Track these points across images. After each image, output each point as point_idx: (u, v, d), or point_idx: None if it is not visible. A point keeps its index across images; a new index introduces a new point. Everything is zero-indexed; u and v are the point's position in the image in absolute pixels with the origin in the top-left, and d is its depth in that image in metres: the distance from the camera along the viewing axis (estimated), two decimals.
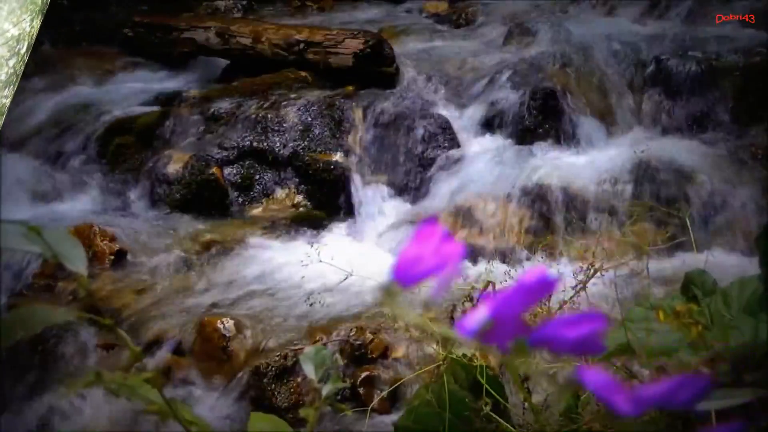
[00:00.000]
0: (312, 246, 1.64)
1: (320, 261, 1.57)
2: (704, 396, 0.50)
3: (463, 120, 3.67)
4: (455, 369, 1.17)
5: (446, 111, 3.68)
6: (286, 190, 3.48)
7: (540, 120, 3.56)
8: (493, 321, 0.50)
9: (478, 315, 0.50)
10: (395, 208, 3.37)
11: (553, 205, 3.11)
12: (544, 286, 0.50)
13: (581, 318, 0.50)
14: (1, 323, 0.60)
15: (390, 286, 0.52)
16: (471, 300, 1.21)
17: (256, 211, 3.44)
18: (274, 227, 3.30)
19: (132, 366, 2.20)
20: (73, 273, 0.58)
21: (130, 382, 0.59)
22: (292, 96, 3.76)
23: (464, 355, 1.20)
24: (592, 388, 0.50)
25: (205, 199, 3.43)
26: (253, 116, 3.65)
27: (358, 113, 3.63)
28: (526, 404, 1.22)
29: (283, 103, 3.70)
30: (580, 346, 0.50)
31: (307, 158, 3.49)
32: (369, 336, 2.43)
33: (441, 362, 1.19)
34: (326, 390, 0.70)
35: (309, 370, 0.71)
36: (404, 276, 0.53)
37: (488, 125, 3.62)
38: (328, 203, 3.42)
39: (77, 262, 0.57)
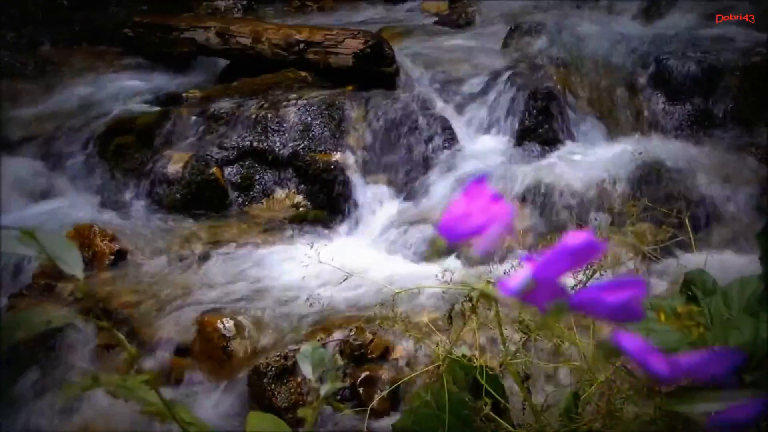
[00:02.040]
0: (312, 247, 1.64)
1: (320, 262, 1.56)
2: (735, 371, 0.50)
3: (463, 120, 3.67)
4: (454, 369, 1.17)
5: (446, 111, 3.68)
6: (286, 190, 3.48)
7: (540, 120, 3.56)
8: (534, 281, 0.50)
9: (521, 275, 0.50)
10: (395, 207, 3.37)
11: (553, 205, 3.11)
12: (589, 251, 0.50)
13: (621, 283, 0.49)
14: (2, 324, 0.60)
15: (436, 240, 0.52)
16: (470, 300, 1.21)
17: (256, 211, 3.43)
18: (274, 227, 3.30)
19: (130, 367, 2.20)
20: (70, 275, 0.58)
21: (128, 384, 0.59)
22: (292, 96, 3.76)
23: (463, 356, 1.20)
24: (630, 351, 0.50)
25: (205, 199, 3.43)
26: (253, 116, 3.65)
27: (358, 113, 3.63)
28: (526, 404, 1.22)
29: (283, 103, 3.70)
30: (619, 311, 0.49)
31: (307, 158, 3.49)
32: (369, 336, 2.43)
33: (441, 362, 1.19)
34: (324, 390, 0.69)
35: (306, 369, 0.71)
36: (451, 231, 0.53)
37: (488, 125, 3.62)
38: (328, 203, 3.42)
39: (74, 265, 0.57)
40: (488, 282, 1.22)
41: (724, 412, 0.51)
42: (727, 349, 0.49)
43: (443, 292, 2.06)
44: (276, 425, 0.83)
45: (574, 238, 0.50)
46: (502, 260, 2.85)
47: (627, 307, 0.49)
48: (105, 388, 0.58)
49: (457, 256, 3.04)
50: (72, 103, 4.03)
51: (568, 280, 1.27)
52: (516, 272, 0.51)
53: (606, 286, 0.50)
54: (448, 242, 0.53)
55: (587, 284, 1.22)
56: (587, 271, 1.22)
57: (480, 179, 0.52)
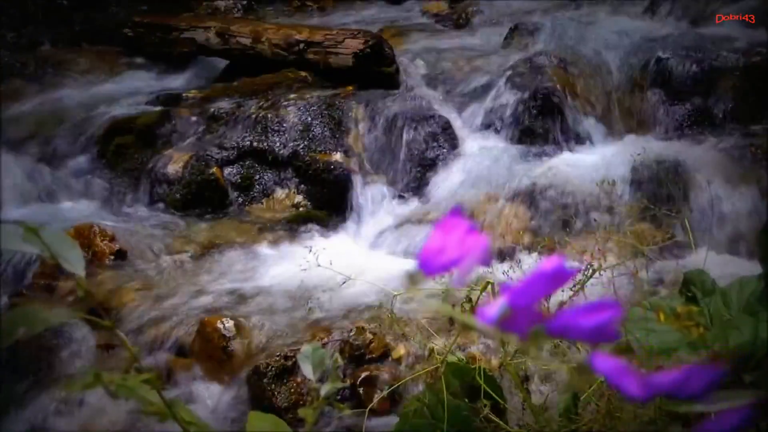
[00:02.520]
0: (310, 251, 1.64)
1: (318, 266, 1.56)
2: (714, 387, 0.51)
3: (463, 120, 3.67)
4: (448, 376, 1.17)
5: (446, 111, 3.68)
6: (286, 190, 3.48)
7: (540, 120, 3.56)
8: (511, 309, 0.51)
9: (498, 303, 0.52)
10: (395, 207, 3.37)
11: (553, 204, 3.11)
12: (561, 276, 0.52)
13: (596, 306, 0.51)
14: (1, 323, 0.60)
15: (415, 275, 0.55)
16: (470, 301, 1.21)
17: (256, 211, 3.43)
18: (274, 227, 3.30)
19: (131, 367, 2.20)
20: (71, 273, 0.58)
21: (129, 383, 0.59)
22: (292, 96, 3.76)
23: (459, 360, 1.20)
24: (604, 372, 0.51)
25: (205, 199, 3.43)
26: (253, 116, 3.65)
27: (358, 113, 3.63)
28: (525, 405, 1.22)
29: (283, 103, 3.70)
30: (596, 333, 0.51)
31: (307, 158, 3.49)
32: (369, 336, 2.43)
33: (440, 364, 1.19)
34: (324, 390, 0.70)
35: (307, 369, 0.71)
36: (428, 265, 0.55)
37: (488, 125, 3.62)
38: (328, 203, 3.42)
39: (75, 263, 0.57)
40: (488, 283, 1.21)
41: (711, 420, 0.52)
42: (703, 365, 0.50)
43: (443, 293, 2.06)
44: (276, 425, 0.83)
45: (546, 264, 0.52)
46: (502, 260, 2.85)
47: (603, 330, 0.51)
48: (106, 387, 0.58)
49: None
50: (72, 103, 4.03)
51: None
52: (492, 302, 0.52)
53: (582, 309, 0.51)
54: (425, 276, 0.55)
55: (576, 294, 1.22)
56: (586, 273, 1.22)
57: (454, 212, 0.55)
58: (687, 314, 1.02)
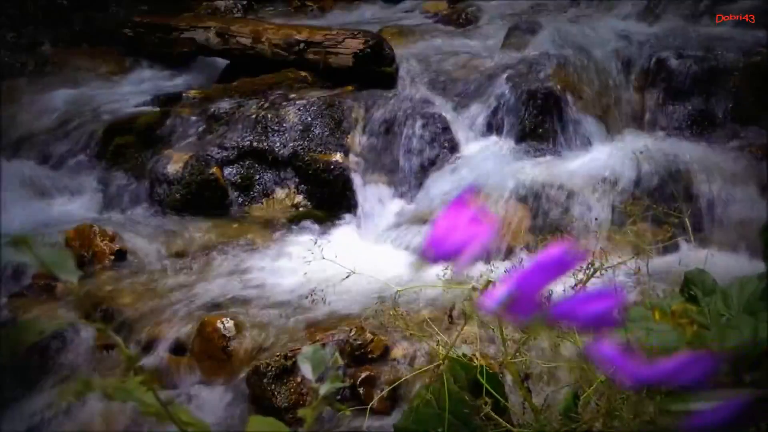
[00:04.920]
0: (315, 243, 1.64)
1: (323, 258, 1.57)
2: (707, 378, 0.51)
3: (463, 120, 3.66)
4: (455, 369, 1.17)
5: (446, 111, 3.67)
6: (286, 190, 3.47)
7: (540, 120, 3.56)
8: (514, 295, 0.52)
9: (500, 289, 0.52)
10: (395, 207, 3.37)
11: (553, 204, 3.11)
12: (564, 263, 0.52)
13: (599, 293, 0.52)
14: (2, 336, 0.61)
15: (418, 262, 0.55)
16: (471, 299, 1.21)
17: (256, 211, 3.43)
18: (274, 227, 3.30)
19: (128, 369, 2.19)
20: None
21: (126, 386, 0.59)
22: (292, 96, 3.76)
23: (464, 355, 1.20)
24: (602, 358, 0.52)
25: (205, 199, 3.43)
26: (253, 116, 3.65)
27: (358, 113, 3.63)
28: (526, 404, 1.22)
29: (283, 103, 3.70)
30: (598, 319, 0.52)
31: (307, 158, 3.49)
32: (369, 336, 2.43)
33: (441, 362, 1.19)
34: (324, 390, 0.69)
35: (306, 370, 0.71)
36: (431, 253, 0.55)
37: (488, 125, 3.62)
38: (328, 203, 3.42)
39: (69, 271, 0.57)
40: (488, 282, 1.22)
41: (700, 414, 0.52)
42: (696, 355, 0.50)
43: (444, 290, 2.06)
44: (276, 429, 0.83)
45: (549, 251, 0.52)
46: (503, 260, 2.85)
47: (605, 316, 0.51)
48: (100, 391, 0.58)
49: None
50: (72, 103, 4.03)
51: (568, 280, 1.27)
52: (497, 286, 0.53)
53: (585, 296, 0.52)
54: (430, 263, 0.55)
55: (578, 288, 1.22)
56: (588, 270, 1.22)
57: (461, 196, 0.55)
58: (681, 313, 1.02)
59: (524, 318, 0.52)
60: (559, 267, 0.52)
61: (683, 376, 0.51)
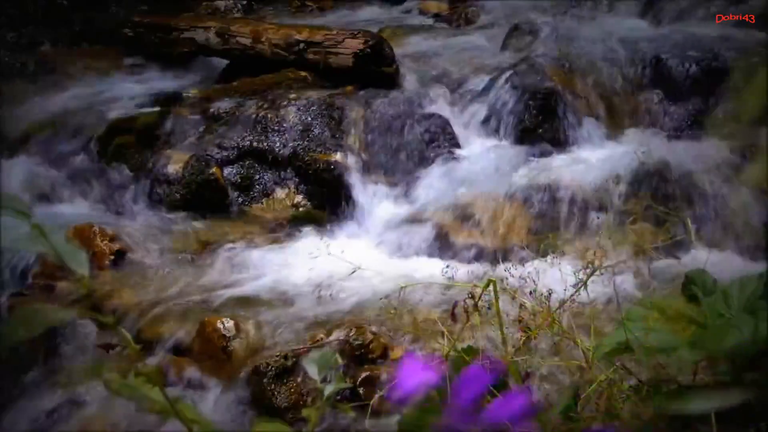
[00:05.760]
0: (322, 239, 1.65)
1: (329, 254, 1.58)
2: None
3: (463, 120, 3.67)
4: (459, 364, 1.17)
5: (446, 111, 3.68)
6: (286, 190, 3.48)
7: (540, 120, 3.56)
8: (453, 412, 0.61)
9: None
10: (394, 207, 3.37)
11: (553, 204, 3.11)
12: (479, 380, 0.62)
13: (513, 396, 0.62)
14: (4, 324, 0.61)
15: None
16: (472, 298, 1.22)
17: (256, 211, 3.44)
18: (273, 227, 3.30)
19: (133, 365, 2.20)
20: (74, 273, 0.58)
21: (131, 383, 0.59)
22: (292, 96, 3.76)
23: (469, 348, 1.20)
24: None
25: (205, 199, 3.43)
26: (253, 116, 3.65)
27: (358, 113, 3.63)
28: None
29: (283, 103, 3.70)
30: (519, 414, 0.61)
31: (307, 158, 3.49)
32: (369, 336, 2.43)
33: (444, 358, 1.19)
34: (329, 390, 0.70)
35: (312, 371, 0.71)
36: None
37: (488, 125, 3.62)
38: (328, 203, 3.42)
39: (79, 263, 0.57)
40: (489, 281, 1.22)
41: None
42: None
43: (445, 288, 2.07)
44: (281, 430, 0.83)
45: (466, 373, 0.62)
46: (503, 260, 2.86)
47: (523, 408, 0.61)
48: (108, 384, 0.58)
49: (458, 258, 3.05)
50: (72, 103, 4.03)
51: (569, 280, 1.27)
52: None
53: (499, 403, 0.61)
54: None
55: (576, 294, 1.22)
56: (587, 271, 1.22)
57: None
58: (679, 312, 1.02)
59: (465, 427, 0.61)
60: (474, 384, 0.61)
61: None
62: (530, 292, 1.33)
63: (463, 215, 3.14)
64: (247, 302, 2.73)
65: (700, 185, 3.12)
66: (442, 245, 3.07)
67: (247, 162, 3.53)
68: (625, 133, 3.57)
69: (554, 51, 3.90)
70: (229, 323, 2.54)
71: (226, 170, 3.50)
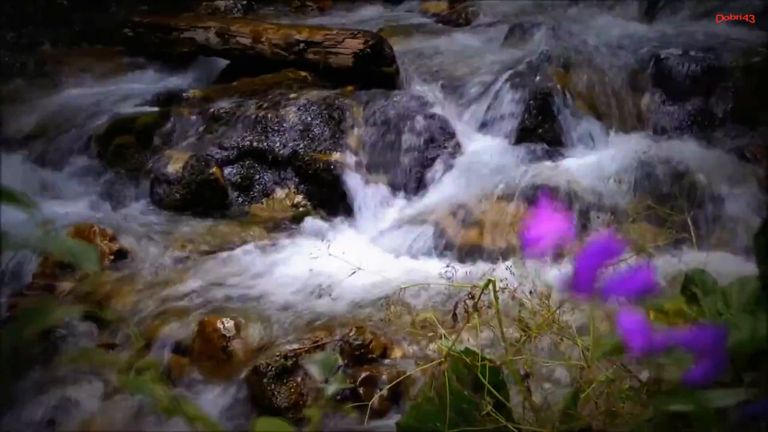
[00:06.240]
0: (323, 240, 1.65)
1: (330, 254, 1.58)
2: (716, 350, 0.62)
3: (463, 120, 3.67)
4: (458, 366, 1.17)
5: (446, 111, 3.68)
6: (286, 190, 3.48)
7: (540, 120, 3.56)
8: (577, 275, 0.64)
9: (566, 271, 0.65)
10: (395, 207, 3.37)
11: (554, 204, 3.11)
12: (612, 249, 0.64)
13: (636, 270, 0.64)
14: (12, 321, 0.61)
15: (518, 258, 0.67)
16: (473, 297, 1.22)
17: (256, 211, 3.44)
18: (273, 227, 3.30)
19: (136, 360, 2.19)
20: (73, 271, 0.58)
21: (135, 380, 0.59)
22: (292, 96, 3.76)
23: (467, 350, 1.20)
24: (622, 325, 0.62)
25: (205, 199, 3.43)
26: (253, 116, 3.65)
27: (358, 113, 3.63)
28: (526, 402, 1.22)
29: (283, 103, 3.70)
30: (640, 289, 0.63)
31: (307, 158, 3.49)
32: (369, 336, 2.43)
33: (443, 359, 1.19)
34: (331, 390, 0.70)
35: (315, 371, 0.71)
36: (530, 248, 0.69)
37: (488, 125, 3.62)
38: (328, 203, 3.42)
39: (90, 261, 0.57)
40: (489, 281, 1.22)
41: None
42: (712, 326, 0.60)
43: (446, 288, 2.07)
44: (283, 428, 0.83)
45: (598, 239, 0.65)
46: (504, 260, 2.86)
47: (646, 285, 0.63)
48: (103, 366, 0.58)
49: (458, 258, 3.05)
50: (72, 104, 4.03)
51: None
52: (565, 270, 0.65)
53: (627, 273, 0.63)
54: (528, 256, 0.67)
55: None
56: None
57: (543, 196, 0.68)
58: (675, 312, 1.02)
59: (586, 293, 0.63)
60: (608, 252, 0.64)
61: (691, 346, 0.61)
62: (530, 292, 1.34)
63: (463, 215, 3.14)
64: (246, 302, 2.74)
65: (700, 185, 3.12)
66: (442, 245, 3.07)
67: (247, 162, 3.53)
68: (624, 133, 3.57)
69: (554, 51, 3.90)
70: (229, 323, 2.54)
71: (226, 170, 3.50)
